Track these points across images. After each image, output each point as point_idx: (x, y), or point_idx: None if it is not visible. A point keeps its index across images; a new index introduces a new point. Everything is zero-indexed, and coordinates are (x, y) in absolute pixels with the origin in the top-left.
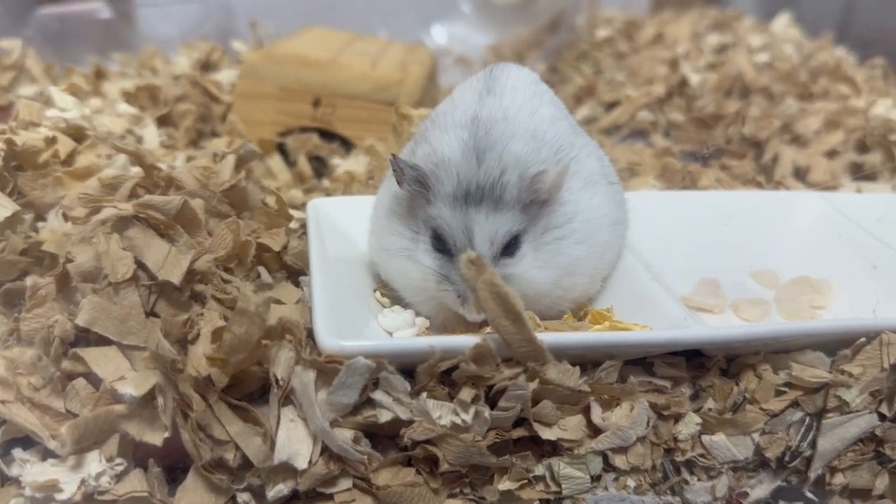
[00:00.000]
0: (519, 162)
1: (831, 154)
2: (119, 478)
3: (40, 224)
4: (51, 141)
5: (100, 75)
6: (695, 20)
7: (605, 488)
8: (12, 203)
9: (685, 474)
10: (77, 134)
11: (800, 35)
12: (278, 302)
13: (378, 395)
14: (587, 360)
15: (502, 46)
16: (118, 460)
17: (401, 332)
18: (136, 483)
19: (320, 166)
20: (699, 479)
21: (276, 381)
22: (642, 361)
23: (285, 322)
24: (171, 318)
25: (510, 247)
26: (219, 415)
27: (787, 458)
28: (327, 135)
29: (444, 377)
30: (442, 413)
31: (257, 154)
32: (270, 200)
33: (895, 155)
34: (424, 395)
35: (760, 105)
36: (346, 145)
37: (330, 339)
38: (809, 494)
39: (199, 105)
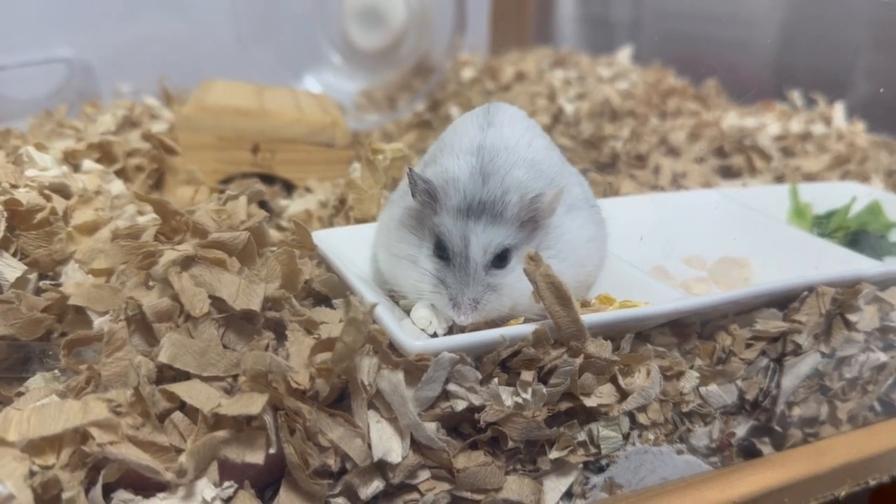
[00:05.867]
0: (520, 186)
1: (699, 160)
2: (230, 500)
3: (44, 283)
4: (48, 199)
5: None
6: (538, 58)
7: (633, 444)
8: (19, 263)
9: (688, 423)
10: (63, 191)
11: (633, 65)
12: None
13: (452, 387)
14: (605, 336)
15: (373, 91)
16: (227, 483)
17: (431, 324)
18: (247, 502)
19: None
20: (699, 426)
21: (364, 386)
22: (639, 334)
23: (372, 332)
24: (256, 343)
25: (502, 259)
26: (320, 424)
27: (759, 399)
28: (267, 179)
29: (501, 364)
30: (506, 395)
31: (264, 193)
32: (286, 235)
33: (752, 157)
34: (496, 381)
35: (631, 125)
36: (287, 187)
37: (411, 341)
38: (777, 428)
39: (150, 158)
